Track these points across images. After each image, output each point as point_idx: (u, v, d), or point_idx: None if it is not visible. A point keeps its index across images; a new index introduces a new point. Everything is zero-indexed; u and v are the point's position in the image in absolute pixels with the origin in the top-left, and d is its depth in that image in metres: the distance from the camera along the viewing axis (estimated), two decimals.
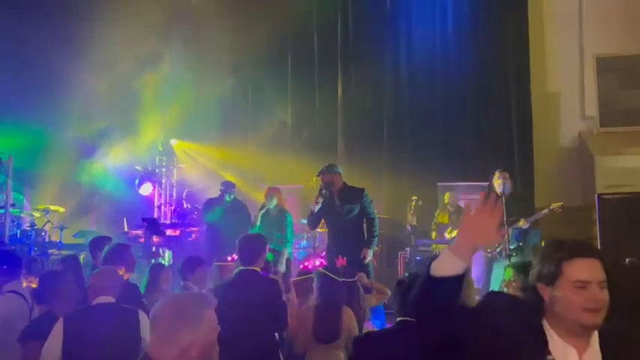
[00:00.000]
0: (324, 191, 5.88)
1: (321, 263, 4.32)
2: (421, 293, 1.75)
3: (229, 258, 5.01)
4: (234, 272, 4.01)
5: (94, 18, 8.85)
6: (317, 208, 5.86)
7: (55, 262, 7.84)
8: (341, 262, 4.34)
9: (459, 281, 1.67)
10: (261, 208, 7.05)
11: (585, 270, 1.73)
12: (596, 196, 4.46)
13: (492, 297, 2.53)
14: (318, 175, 6.05)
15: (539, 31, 9.73)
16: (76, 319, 3.37)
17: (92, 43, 8.70)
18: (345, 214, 5.84)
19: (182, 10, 9.17)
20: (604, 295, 1.72)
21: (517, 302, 1.85)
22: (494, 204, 1.80)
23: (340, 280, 3.96)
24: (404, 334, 2.70)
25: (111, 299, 3.48)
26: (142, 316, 3.44)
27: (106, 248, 4.60)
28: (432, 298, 1.70)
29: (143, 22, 8.71)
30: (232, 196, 7.63)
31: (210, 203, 7.62)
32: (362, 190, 5.98)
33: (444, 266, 1.69)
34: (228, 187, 7.64)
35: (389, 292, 4.39)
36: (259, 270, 3.95)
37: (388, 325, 4.81)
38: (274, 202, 7.09)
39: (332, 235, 6.07)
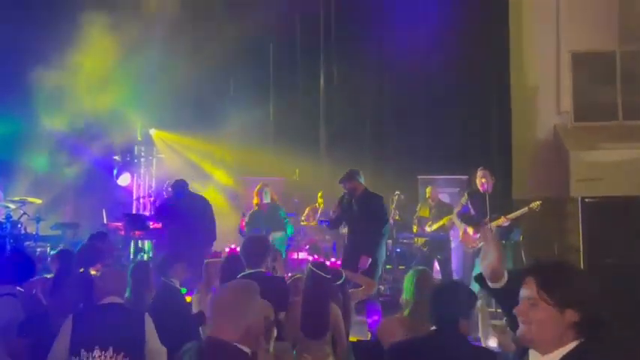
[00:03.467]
0: (345, 199, 6.10)
1: (314, 258, 4.31)
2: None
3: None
4: (240, 275, 3.99)
5: (71, 6, 8.61)
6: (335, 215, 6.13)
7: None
8: (333, 264, 4.35)
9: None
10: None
11: (522, 288, 1.91)
12: (579, 199, 4.57)
13: None
14: (339, 183, 6.18)
15: (518, 27, 9.87)
16: (86, 317, 3.43)
17: (70, 32, 8.49)
18: (360, 219, 6.00)
19: (163, 0, 8.98)
20: (528, 311, 1.82)
21: None
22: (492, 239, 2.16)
23: (328, 277, 3.94)
24: (440, 342, 2.72)
25: (120, 300, 3.57)
26: (148, 319, 3.50)
27: (80, 247, 4.60)
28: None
29: (123, 10, 8.54)
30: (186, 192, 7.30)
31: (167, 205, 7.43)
32: (380, 199, 6.16)
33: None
34: (177, 186, 7.33)
35: (375, 285, 4.42)
36: (264, 271, 3.95)
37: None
38: (268, 198, 6.99)
39: (347, 235, 6.30)
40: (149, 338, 3.43)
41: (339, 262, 4.54)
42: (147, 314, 3.57)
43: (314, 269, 3.91)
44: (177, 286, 4.49)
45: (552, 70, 9.97)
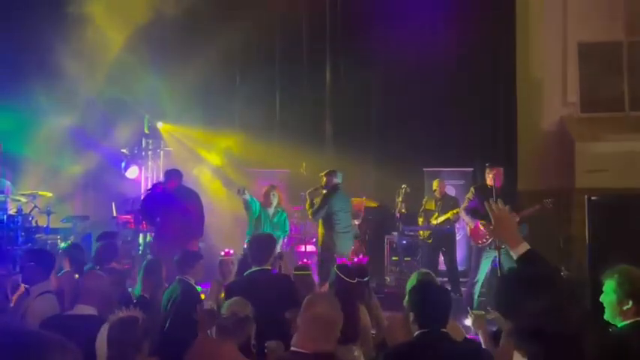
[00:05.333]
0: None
1: (339, 261, 4.29)
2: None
3: (223, 253, 5.13)
4: (247, 272, 4.04)
5: (83, 1, 8.66)
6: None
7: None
8: (360, 260, 4.33)
9: (529, 255, 2.28)
10: (260, 210, 6.78)
11: None
12: (585, 197, 4.56)
13: None
14: (325, 176, 6.88)
15: (524, 18, 9.83)
16: (52, 328, 3.08)
17: (80, 26, 8.55)
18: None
19: None
20: None
21: None
22: (500, 211, 2.43)
23: (354, 282, 3.91)
24: (434, 345, 2.75)
25: (90, 309, 3.31)
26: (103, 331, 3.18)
27: (97, 246, 4.65)
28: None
29: (132, 4, 8.58)
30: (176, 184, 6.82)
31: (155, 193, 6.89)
32: (327, 192, 6.79)
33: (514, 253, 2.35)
34: (168, 176, 6.92)
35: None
36: (270, 268, 3.99)
37: None
38: (276, 201, 6.88)
39: None
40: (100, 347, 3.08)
41: (365, 259, 4.53)
42: (104, 325, 3.13)
43: (341, 275, 3.85)
44: (193, 284, 4.55)
45: (559, 61, 9.93)
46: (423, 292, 2.96)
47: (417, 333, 2.81)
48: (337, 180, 6.81)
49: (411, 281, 3.56)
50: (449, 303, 2.92)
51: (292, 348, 2.42)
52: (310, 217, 6.79)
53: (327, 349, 2.36)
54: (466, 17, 9.45)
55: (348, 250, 6.65)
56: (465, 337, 3.29)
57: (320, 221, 6.74)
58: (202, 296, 4.58)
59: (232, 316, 3.13)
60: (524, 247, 2.31)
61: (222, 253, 4.88)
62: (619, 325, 2.80)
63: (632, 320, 2.78)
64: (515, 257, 2.32)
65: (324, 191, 6.77)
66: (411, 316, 2.84)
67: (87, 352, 2.93)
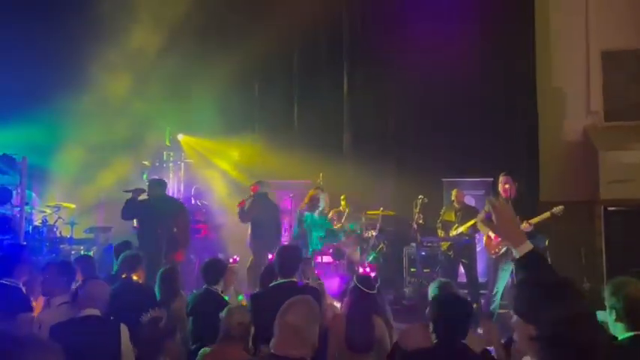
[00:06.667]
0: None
1: (363, 272, 4.29)
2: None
3: (231, 260, 5.16)
4: (272, 284, 4.02)
5: (104, 15, 8.87)
6: None
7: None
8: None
9: (531, 256, 2.15)
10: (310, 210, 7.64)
11: None
12: (602, 208, 4.46)
13: None
14: (258, 184, 7.61)
15: (545, 25, 9.73)
16: (61, 329, 3.45)
17: (101, 39, 8.76)
18: None
19: (191, 6, 9.17)
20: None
21: None
22: (501, 207, 2.27)
23: (374, 292, 3.94)
24: (449, 352, 2.75)
25: (96, 312, 3.56)
26: (124, 330, 3.54)
27: (122, 255, 4.73)
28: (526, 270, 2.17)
29: (153, 17, 8.78)
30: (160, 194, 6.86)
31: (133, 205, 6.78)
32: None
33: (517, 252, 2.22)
34: (152, 185, 6.93)
35: None
36: (296, 280, 3.99)
37: None
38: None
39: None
40: (124, 350, 3.49)
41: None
42: (123, 325, 3.57)
43: (359, 286, 3.86)
44: (220, 293, 4.57)
45: (582, 69, 9.79)
46: (442, 303, 2.95)
47: (434, 342, 2.81)
48: (264, 189, 7.55)
49: (432, 290, 3.54)
50: (468, 315, 2.89)
51: (271, 350, 2.53)
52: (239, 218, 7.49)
53: (298, 355, 2.46)
54: (486, 26, 9.39)
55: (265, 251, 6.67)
56: (485, 350, 3.24)
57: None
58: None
59: (239, 326, 3.26)
60: (528, 246, 2.19)
61: (231, 260, 4.93)
62: (620, 337, 2.74)
63: (632, 333, 2.71)
64: (517, 257, 2.21)
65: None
66: (430, 326, 2.84)
67: (95, 345, 3.34)
